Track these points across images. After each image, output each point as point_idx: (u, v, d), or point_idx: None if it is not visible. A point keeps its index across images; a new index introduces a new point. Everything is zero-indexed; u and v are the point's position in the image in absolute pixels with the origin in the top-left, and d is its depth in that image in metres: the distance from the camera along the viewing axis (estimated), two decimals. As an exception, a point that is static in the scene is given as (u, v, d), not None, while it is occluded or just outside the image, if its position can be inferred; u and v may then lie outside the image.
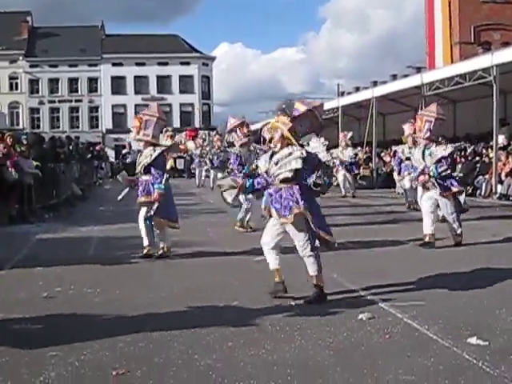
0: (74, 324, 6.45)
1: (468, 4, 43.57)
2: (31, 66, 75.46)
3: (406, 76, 38.84)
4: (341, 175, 23.65)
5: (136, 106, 76.48)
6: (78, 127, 75.73)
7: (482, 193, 23.09)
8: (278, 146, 7.41)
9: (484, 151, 25.37)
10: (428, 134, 11.32)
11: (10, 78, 75.32)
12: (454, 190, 11.34)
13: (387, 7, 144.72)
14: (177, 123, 73.39)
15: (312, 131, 7.84)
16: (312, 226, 7.25)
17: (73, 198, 21.52)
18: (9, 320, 6.58)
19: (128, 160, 32.96)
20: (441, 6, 45.03)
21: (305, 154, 7.27)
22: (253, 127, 16.94)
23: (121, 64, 77.00)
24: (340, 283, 8.19)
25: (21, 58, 74.84)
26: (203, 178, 31.41)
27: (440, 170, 11.18)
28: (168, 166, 13.83)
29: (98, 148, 40.46)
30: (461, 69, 25.46)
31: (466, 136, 30.39)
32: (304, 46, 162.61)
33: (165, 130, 14.22)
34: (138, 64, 77.05)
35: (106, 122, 77.16)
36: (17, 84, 75.77)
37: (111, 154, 60.26)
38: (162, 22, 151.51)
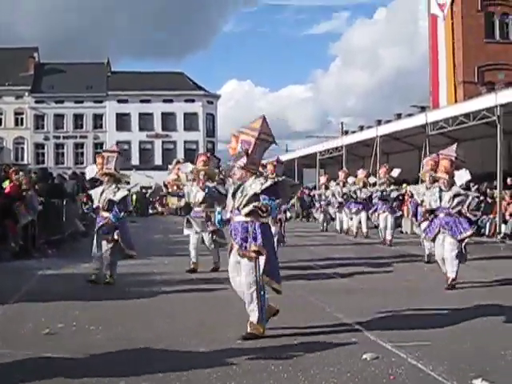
0: (74, 362, 6.39)
1: (472, 44, 43.78)
2: (37, 102, 75.89)
3: (410, 115, 38.87)
4: (382, 218, 20.56)
5: (140, 142, 77.06)
6: (82, 163, 75.77)
7: (486, 232, 23.05)
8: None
9: (488, 191, 25.35)
10: (244, 159, 7.59)
11: (16, 114, 75.71)
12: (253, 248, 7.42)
13: (399, 46, 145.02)
14: (181, 160, 73.52)
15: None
16: None
17: (76, 234, 21.51)
18: (9, 356, 6.52)
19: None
20: (445, 45, 45.28)
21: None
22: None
23: (126, 101, 77.40)
24: (344, 323, 8.14)
25: (27, 93, 75.30)
26: None
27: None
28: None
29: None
30: (465, 108, 25.57)
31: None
32: (312, 83, 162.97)
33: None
34: (142, 101, 77.42)
35: (111, 158, 77.36)
36: (22, 119, 76.11)
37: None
38: (174, 58, 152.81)
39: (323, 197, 27.40)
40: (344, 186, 25.02)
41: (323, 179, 28.40)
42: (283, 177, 10.23)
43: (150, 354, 6.67)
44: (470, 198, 11.48)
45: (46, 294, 10.42)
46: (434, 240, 11.61)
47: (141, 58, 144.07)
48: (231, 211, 7.79)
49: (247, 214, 7.48)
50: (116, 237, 11.65)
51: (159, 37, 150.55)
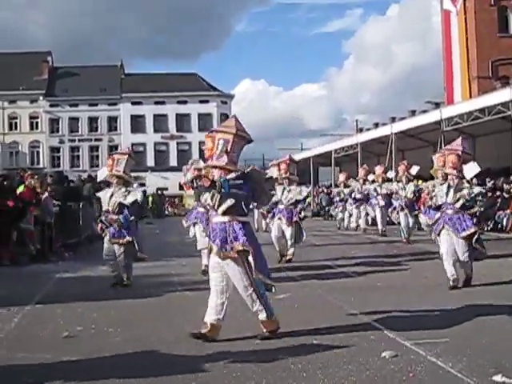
0: (94, 366, 6.40)
1: (485, 39, 43.57)
2: (51, 106, 76.11)
3: (424, 111, 38.68)
4: (403, 217, 20.28)
5: (155, 144, 77.07)
6: (97, 166, 75.81)
7: (504, 228, 22.94)
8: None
9: (505, 186, 25.20)
10: (224, 158, 7.50)
11: (31, 118, 75.95)
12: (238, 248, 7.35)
13: (412, 42, 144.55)
14: (196, 161, 73.44)
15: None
16: None
17: (93, 237, 21.54)
18: (29, 360, 6.54)
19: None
20: (458, 41, 45.05)
21: None
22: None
23: (140, 103, 77.47)
24: (362, 321, 8.12)
25: (41, 97, 75.54)
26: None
27: None
28: None
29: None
30: (480, 103, 25.42)
31: (486, 171, 30.23)
32: (326, 81, 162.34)
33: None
34: (157, 103, 77.48)
35: (126, 160, 77.32)
36: (37, 123, 76.35)
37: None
38: (187, 59, 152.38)
39: (342, 194, 27.32)
40: (364, 183, 25.02)
41: (342, 177, 28.24)
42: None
43: (168, 355, 6.67)
44: (470, 193, 11.03)
45: (64, 296, 10.45)
46: (439, 235, 11.34)
47: (153, 59, 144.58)
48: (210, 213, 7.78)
49: (224, 214, 7.38)
50: (130, 238, 11.58)
51: (171, 38, 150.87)
